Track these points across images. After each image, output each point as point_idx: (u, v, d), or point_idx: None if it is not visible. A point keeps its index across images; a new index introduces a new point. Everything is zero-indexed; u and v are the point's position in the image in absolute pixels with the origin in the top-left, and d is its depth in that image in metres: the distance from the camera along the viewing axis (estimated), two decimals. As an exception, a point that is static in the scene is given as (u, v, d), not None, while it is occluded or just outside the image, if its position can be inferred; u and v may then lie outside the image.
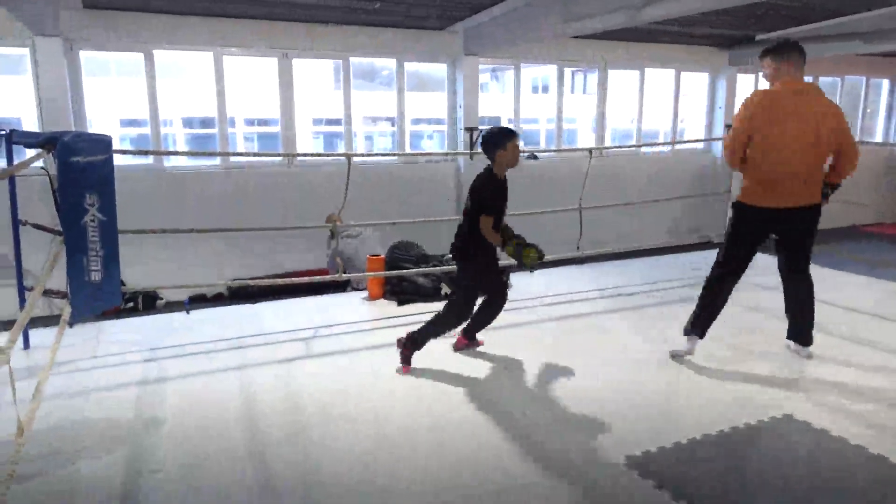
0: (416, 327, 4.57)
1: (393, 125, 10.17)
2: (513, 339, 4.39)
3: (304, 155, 7.19)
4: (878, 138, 15.16)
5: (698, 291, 5.34)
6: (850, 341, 4.25)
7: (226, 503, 2.61)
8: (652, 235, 9.68)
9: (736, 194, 3.87)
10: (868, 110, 14.77)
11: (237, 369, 3.88)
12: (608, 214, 8.71)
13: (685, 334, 4.01)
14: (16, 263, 4.18)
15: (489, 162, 3.69)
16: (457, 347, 4.13)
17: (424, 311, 4.87)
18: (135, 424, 3.22)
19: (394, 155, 10.14)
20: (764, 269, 6.01)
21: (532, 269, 3.66)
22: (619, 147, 12.14)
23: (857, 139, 14.72)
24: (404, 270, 5.03)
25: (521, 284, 5.56)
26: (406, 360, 3.82)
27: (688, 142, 12.60)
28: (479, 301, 3.97)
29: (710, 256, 6.50)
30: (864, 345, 4.18)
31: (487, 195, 3.59)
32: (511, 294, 5.35)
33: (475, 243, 3.70)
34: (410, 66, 10.26)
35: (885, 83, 14.75)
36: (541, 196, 8.27)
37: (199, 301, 7.84)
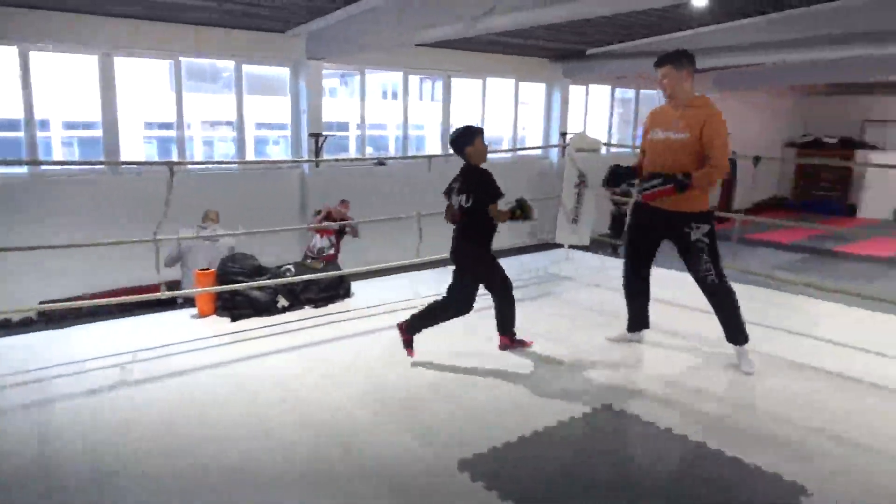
0: (251, 343, 4.38)
1: (234, 129, 9.70)
2: (353, 347, 4.31)
3: (123, 163, 6.59)
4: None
5: (533, 291, 5.64)
6: (671, 334, 4.60)
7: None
8: (496, 238, 10.00)
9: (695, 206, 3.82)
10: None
11: (36, 406, 3.44)
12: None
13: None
14: None
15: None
16: (502, 347, 4.25)
17: (260, 326, 4.66)
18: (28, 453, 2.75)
19: (224, 163, 9.69)
20: (598, 270, 6.41)
21: (526, 218, 4.00)
22: (453, 154, 12.41)
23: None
24: (237, 284, 4.77)
25: (360, 292, 5.49)
26: (408, 344, 4.05)
27: (527, 149, 13.23)
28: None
29: (548, 256, 6.92)
30: (686, 337, 4.55)
31: (492, 183, 3.89)
32: (351, 302, 5.29)
33: (482, 237, 3.98)
34: (253, 69, 9.86)
35: (697, 97, 16.38)
36: (390, 202, 8.27)
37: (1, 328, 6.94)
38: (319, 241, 7.41)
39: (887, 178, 16.55)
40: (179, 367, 3.96)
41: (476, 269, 4.03)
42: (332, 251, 7.42)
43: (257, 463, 2.90)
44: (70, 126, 12.52)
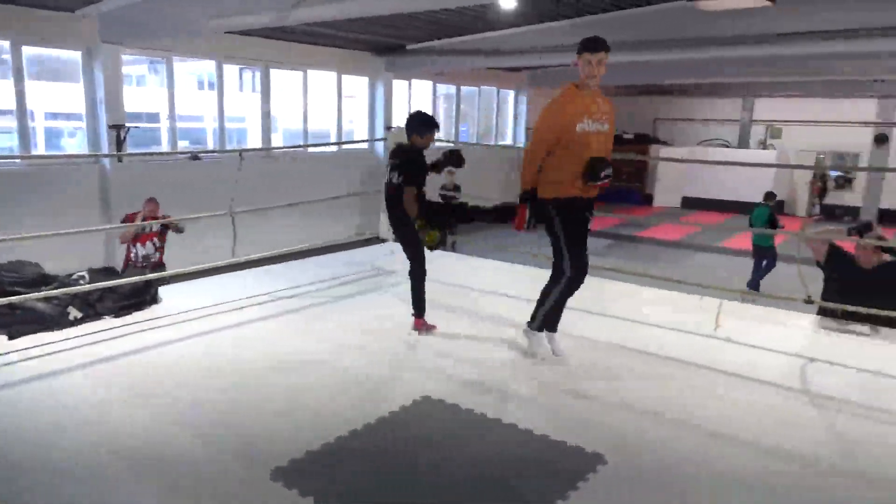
0: (34, 363, 3.86)
1: (14, 118, 8.52)
2: (161, 358, 3.97)
3: None
4: (509, 141, 17.78)
5: (359, 286, 5.61)
6: (476, 317, 4.79)
7: None
8: (322, 234, 9.83)
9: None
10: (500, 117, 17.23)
11: None
12: (278, 215, 8.59)
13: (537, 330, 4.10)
14: None
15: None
16: (416, 328, 4.44)
17: (46, 343, 4.12)
18: None
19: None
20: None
21: (430, 248, 4.45)
22: (278, 148, 12.01)
23: (493, 142, 17.04)
24: (15, 296, 4.18)
25: (167, 298, 5.09)
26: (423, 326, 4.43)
27: (351, 142, 13.14)
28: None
29: (373, 251, 6.91)
30: (486, 320, 4.76)
31: (420, 167, 4.33)
32: (159, 309, 4.88)
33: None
34: (39, 52, 8.73)
35: (511, 94, 17.38)
36: (204, 199, 7.76)
37: None
38: (142, 249, 6.73)
39: (675, 170, 18.78)
40: (-60, 396, 3.40)
41: (403, 231, 4.43)
42: (158, 256, 6.79)
43: None
44: None
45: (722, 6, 5.22)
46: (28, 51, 8.44)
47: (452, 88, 15.41)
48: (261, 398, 3.48)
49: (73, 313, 4.33)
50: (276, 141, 12.81)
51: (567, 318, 4.20)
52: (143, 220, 6.66)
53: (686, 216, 17.70)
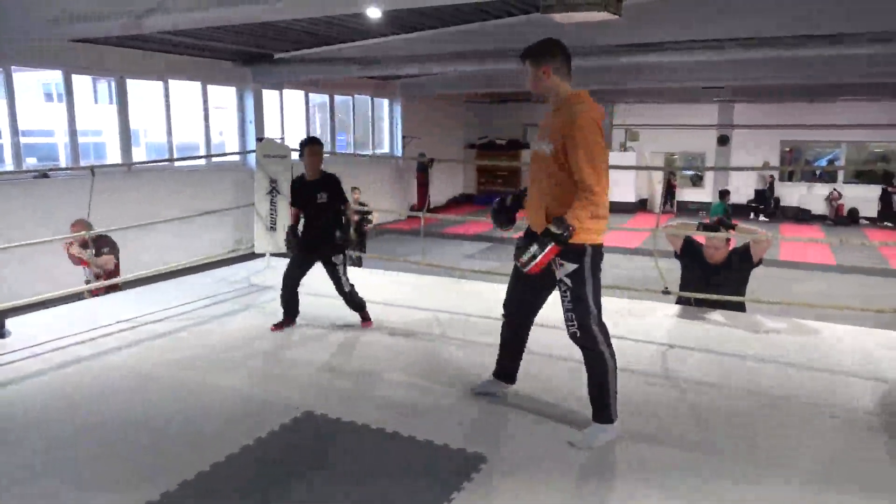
0: None
1: None
2: (10, 397, 3.61)
3: None
4: (386, 149, 17.85)
5: (234, 304, 5.38)
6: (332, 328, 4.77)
7: None
8: (195, 253, 9.38)
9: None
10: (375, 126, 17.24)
11: None
12: (146, 234, 8.09)
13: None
14: None
15: None
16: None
17: None
18: None
19: None
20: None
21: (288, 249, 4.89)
22: (143, 163, 11.35)
23: (370, 152, 17.03)
24: None
25: (17, 330, 4.64)
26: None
27: (220, 155, 12.65)
28: None
29: (249, 267, 6.66)
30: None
31: (290, 190, 4.89)
32: (8, 343, 4.44)
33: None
34: None
35: (386, 102, 17.46)
36: (58, 220, 7.16)
37: None
38: (88, 273, 5.91)
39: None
40: None
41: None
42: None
43: None
44: None
45: (572, 19, 5.52)
46: None
47: (326, 98, 15.23)
48: (128, 430, 3.26)
49: None
50: (139, 155, 12.07)
51: (451, 325, 4.27)
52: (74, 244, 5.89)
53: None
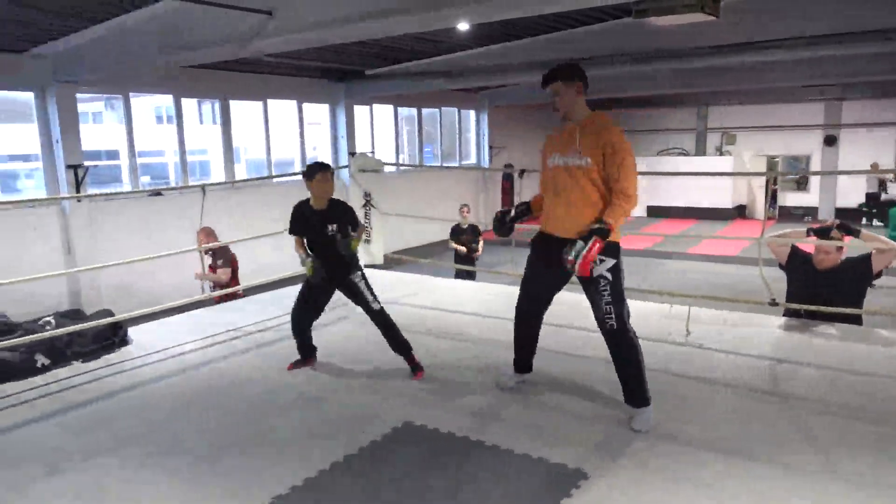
0: (3, 414, 3.75)
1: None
2: (133, 400, 3.89)
3: None
4: (473, 160, 17.94)
5: (331, 313, 5.53)
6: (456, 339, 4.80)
7: None
8: (290, 265, 9.78)
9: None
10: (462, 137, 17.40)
11: None
12: (247, 248, 8.52)
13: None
14: None
15: None
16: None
17: (14, 392, 4.02)
18: None
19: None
20: (393, 287, 6.49)
21: (312, 280, 4.15)
22: (246, 180, 12.00)
23: (457, 163, 17.21)
24: (-21, 346, 4.07)
25: (140, 338, 5.00)
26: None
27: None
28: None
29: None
30: (465, 341, 4.77)
31: (291, 218, 4.21)
32: (130, 350, 4.80)
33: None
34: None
35: (472, 113, 17.58)
36: (170, 235, 7.69)
37: None
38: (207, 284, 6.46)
39: (638, 180, 19.04)
40: None
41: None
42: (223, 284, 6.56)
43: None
44: None
45: (668, 22, 5.38)
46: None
47: (414, 111, 15.53)
48: (241, 436, 3.44)
49: (41, 360, 4.23)
50: (240, 171, 12.75)
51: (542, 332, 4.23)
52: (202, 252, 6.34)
53: (648, 226, 17.95)
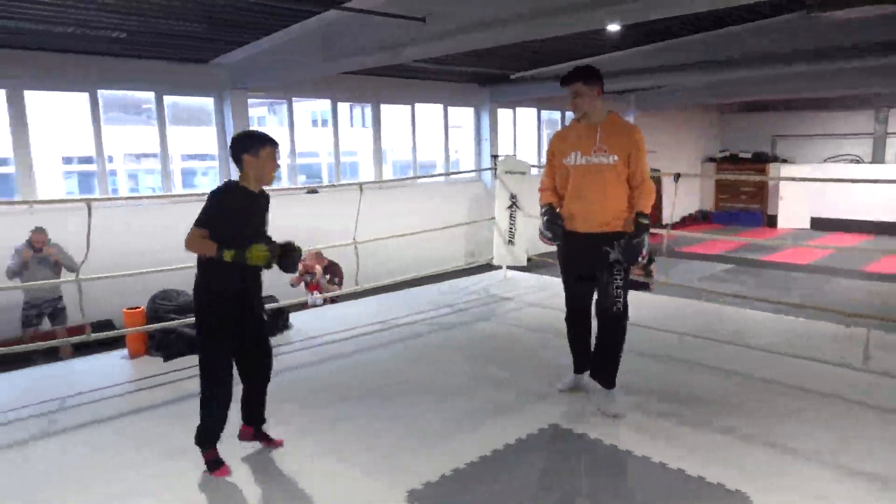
0: (187, 383, 4.19)
1: (159, 161, 9.41)
2: (293, 378, 4.20)
3: (40, 202, 6.31)
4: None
5: (477, 312, 5.67)
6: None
7: None
8: (432, 263, 10.06)
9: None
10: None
11: (-48, 464, 3.19)
12: (389, 246, 8.88)
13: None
14: None
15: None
16: (241, 437, 3.25)
17: (195, 365, 4.47)
18: None
19: (140, 198, 9.38)
20: (537, 289, 6.48)
21: (265, 267, 2.93)
22: (394, 180, 12.50)
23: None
24: (168, 322, 4.59)
25: (300, 323, 5.39)
26: (212, 466, 3.02)
27: (459, 172, 13.38)
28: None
29: (487, 278, 6.97)
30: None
31: (206, 206, 2.91)
32: (290, 335, 5.17)
33: (201, 278, 2.97)
34: (177, 99, 9.62)
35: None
36: (322, 231, 8.17)
37: None
38: (314, 297, 6.96)
39: (801, 189, 17.53)
40: (114, 411, 3.77)
41: (199, 335, 3.12)
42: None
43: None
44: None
45: (845, 15, 4.92)
46: (167, 99, 9.30)
47: (557, 114, 15.40)
48: (391, 423, 3.59)
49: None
50: (387, 172, 13.30)
51: (700, 349, 4.05)
52: (304, 271, 6.98)
53: (815, 239, 16.34)
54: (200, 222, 2.89)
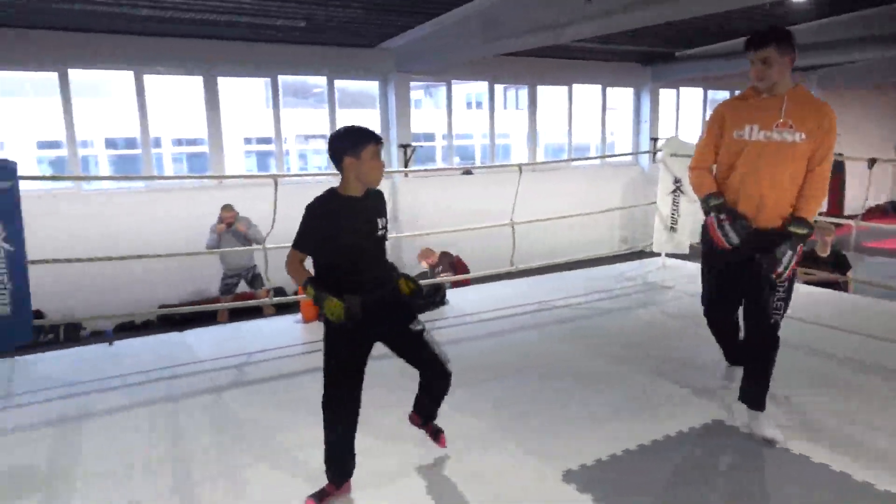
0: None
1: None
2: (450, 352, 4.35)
3: (231, 177, 7.04)
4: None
5: (620, 301, 5.52)
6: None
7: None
8: (584, 247, 9.89)
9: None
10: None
11: (164, 402, 3.70)
12: (541, 228, 8.87)
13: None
14: (-86, 299, 3.88)
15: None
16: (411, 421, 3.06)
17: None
18: (50, 469, 3.02)
19: (323, 175, 10.06)
20: (699, 279, 6.18)
21: (336, 323, 2.45)
22: (550, 162, 12.42)
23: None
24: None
25: (456, 300, 5.56)
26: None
27: (616, 155, 13.01)
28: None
29: (644, 265, 6.75)
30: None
31: (302, 223, 2.50)
32: (446, 310, 5.36)
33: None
34: (342, 84, 10.22)
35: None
36: (475, 211, 8.35)
37: (126, 329, 7.51)
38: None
39: None
40: (289, 369, 4.16)
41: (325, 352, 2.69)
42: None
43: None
44: (177, 143, 13.38)
45: None
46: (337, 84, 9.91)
47: (725, 94, 14.40)
48: (548, 405, 3.62)
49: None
50: (539, 154, 13.23)
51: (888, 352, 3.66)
52: (435, 265, 7.36)
53: None
54: (296, 243, 2.51)
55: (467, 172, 10.65)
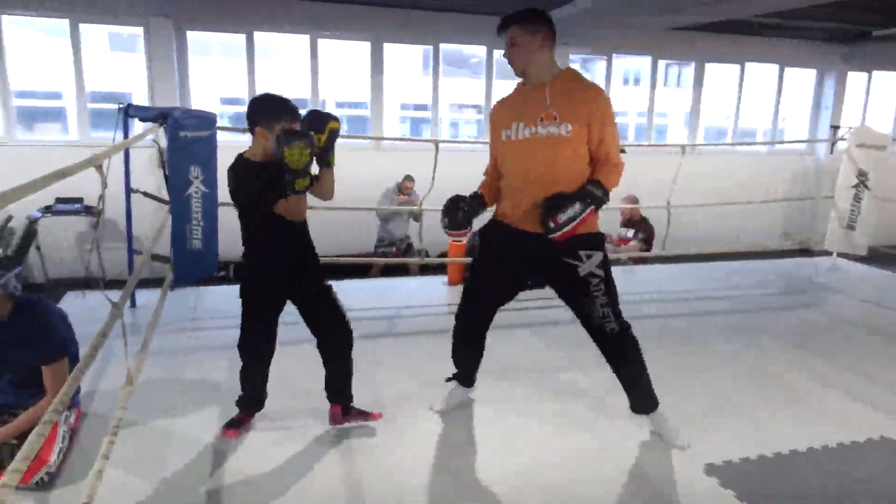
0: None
1: (479, 112, 10.20)
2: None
3: (392, 139, 7.33)
4: None
5: (781, 300, 5.14)
6: None
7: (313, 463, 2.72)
8: (742, 238, 9.29)
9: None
10: None
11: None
12: (695, 214, 8.44)
13: None
14: (126, 229, 4.49)
15: None
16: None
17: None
18: (226, 385, 3.40)
19: (480, 143, 10.20)
20: (876, 286, 5.67)
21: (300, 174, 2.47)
22: (716, 144, 11.71)
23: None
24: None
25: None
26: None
27: (791, 142, 11.98)
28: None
29: (812, 264, 6.21)
30: None
31: (243, 181, 2.67)
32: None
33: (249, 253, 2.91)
34: (498, 54, 10.23)
35: None
36: (626, 191, 8.10)
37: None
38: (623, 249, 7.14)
39: None
40: (434, 327, 4.35)
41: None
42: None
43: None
44: (340, 105, 14.14)
45: None
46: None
47: (927, 80, 12.70)
48: (703, 397, 3.49)
49: (525, 280, 5.00)
50: (699, 137, 12.50)
51: None
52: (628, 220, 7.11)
53: None
54: (259, 195, 2.65)
55: (621, 151, 10.31)
